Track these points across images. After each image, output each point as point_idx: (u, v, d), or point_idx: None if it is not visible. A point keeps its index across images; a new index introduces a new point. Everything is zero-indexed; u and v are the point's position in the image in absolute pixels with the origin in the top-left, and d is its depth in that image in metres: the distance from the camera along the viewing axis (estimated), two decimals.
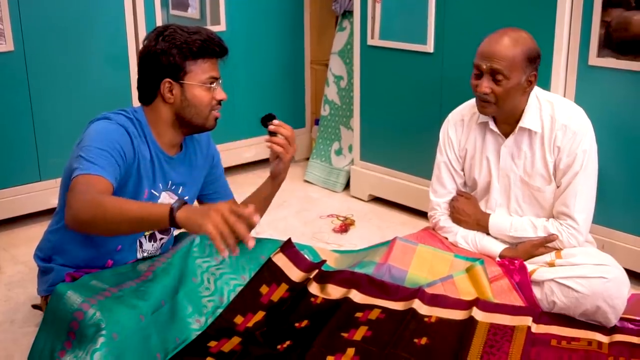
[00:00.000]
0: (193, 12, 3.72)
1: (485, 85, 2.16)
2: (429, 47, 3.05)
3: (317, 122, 4.04)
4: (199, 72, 2.03)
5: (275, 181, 2.27)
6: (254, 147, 3.92)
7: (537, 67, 2.19)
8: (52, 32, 3.09)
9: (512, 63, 2.13)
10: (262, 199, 2.30)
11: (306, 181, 3.82)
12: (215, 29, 3.56)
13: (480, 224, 2.37)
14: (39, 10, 3.03)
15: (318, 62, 4.12)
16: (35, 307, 2.36)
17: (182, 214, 1.69)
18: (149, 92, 2.06)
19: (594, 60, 2.52)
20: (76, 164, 1.89)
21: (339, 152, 3.78)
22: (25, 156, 3.13)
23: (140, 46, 3.26)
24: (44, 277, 2.16)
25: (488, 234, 2.37)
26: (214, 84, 2.06)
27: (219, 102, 2.09)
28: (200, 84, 2.03)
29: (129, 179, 2.01)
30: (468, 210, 2.39)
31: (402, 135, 3.29)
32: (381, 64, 3.29)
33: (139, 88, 2.09)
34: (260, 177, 3.84)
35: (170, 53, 1.99)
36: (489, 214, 2.36)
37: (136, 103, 3.35)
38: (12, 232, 3.11)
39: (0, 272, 2.75)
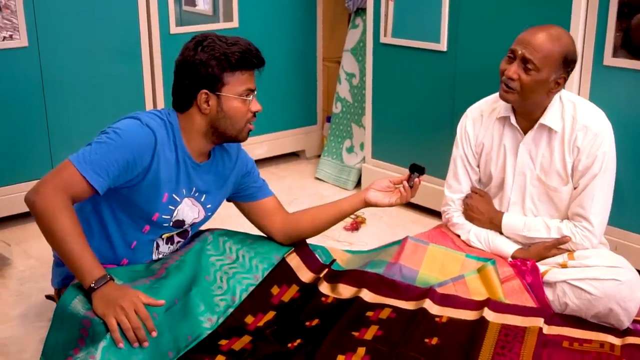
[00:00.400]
0: (206, 8, 3.72)
1: (514, 70, 2.15)
2: (442, 46, 3.04)
3: (328, 119, 4.04)
4: (236, 84, 2.01)
5: (363, 205, 2.28)
6: (265, 144, 3.92)
7: (569, 71, 2.18)
8: (65, 28, 3.10)
9: (546, 56, 2.12)
10: (340, 212, 2.30)
11: (317, 178, 3.83)
12: (227, 25, 3.57)
13: (494, 222, 2.36)
14: (53, 6, 3.05)
15: (330, 59, 4.11)
16: (48, 297, 2.38)
17: (97, 294, 1.81)
18: (184, 101, 2.04)
19: (609, 60, 2.51)
20: (82, 149, 1.92)
21: (350, 150, 3.78)
22: (38, 151, 3.15)
23: (150, 39, 3.31)
24: (58, 269, 2.17)
25: (501, 233, 2.36)
26: (250, 96, 2.05)
27: (254, 114, 2.08)
28: (237, 96, 2.02)
29: (141, 181, 1.99)
30: (482, 208, 2.38)
31: (413, 133, 3.29)
32: (394, 62, 3.29)
33: (174, 95, 2.06)
34: (272, 173, 3.86)
35: (209, 64, 1.97)
36: (502, 213, 2.35)
37: (148, 98, 3.41)
38: (24, 227, 3.13)
39: (12, 266, 2.77)
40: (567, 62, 2.15)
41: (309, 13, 3.94)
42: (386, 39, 3.28)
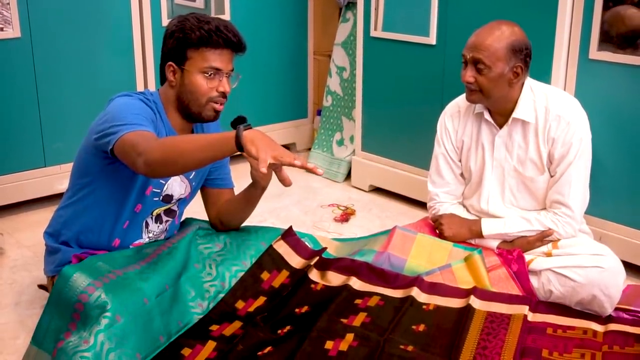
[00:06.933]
0: (198, 1, 3.73)
1: (469, 74, 2.22)
2: (432, 39, 3.07)
3: (319, 112, 4.06)
4: (199, 60, 2.03)
5: (259, 187, 2.23)
6: None
7: (524, 59, 2.21)
8: (58, 19, 3.11)
9: (493, 53, 2.17)
10: (245, 196, 2.27)
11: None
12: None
13: (473, 228, 2.37)
14: None
15: (321, 53, 4.14)
16: (41, 287, 2.39)
17: (248, 135, 1.71)
18: (162, 71, 2.12)
19: (594, 54, 2.55)
20: (114, 130, 1.90)
21: (340, 143, 3.81)
22: (30, 142, 3.16)
23: (142, 30, 3.32)
24: (51, 257, 2.19)
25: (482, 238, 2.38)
26: (213, 74, 2.05)
27: (223, 95, 2.08)
28: (198, 72, 2.04)
29: None
30: (456, 221, 2.40)
31: (403, 126, 3.32)
32: (384, 55, 3.32)
33: (159, 67, 2.15)
34: None
35: (176, 37, 2.04)
36: (479, 219, 2.38)
37: (140, 89, 3.39)
38: (16, 217, 3.14)
39: (5, 255, 2.79)
40: (517, 51, 2.19)
41: (300, 7, 3.96)
42: (376, 32, 3.31)
